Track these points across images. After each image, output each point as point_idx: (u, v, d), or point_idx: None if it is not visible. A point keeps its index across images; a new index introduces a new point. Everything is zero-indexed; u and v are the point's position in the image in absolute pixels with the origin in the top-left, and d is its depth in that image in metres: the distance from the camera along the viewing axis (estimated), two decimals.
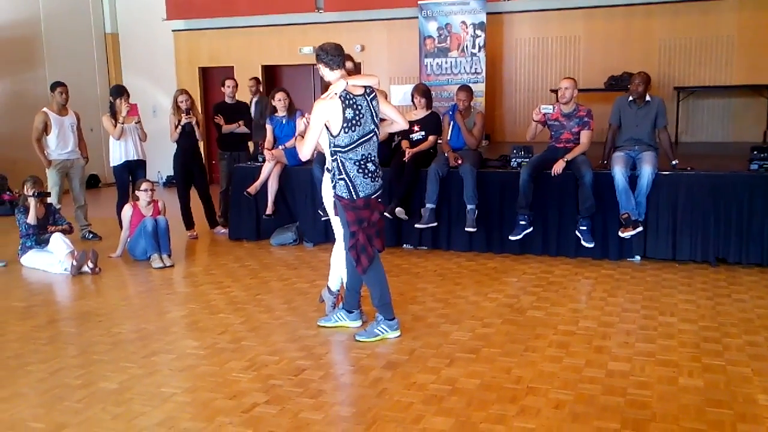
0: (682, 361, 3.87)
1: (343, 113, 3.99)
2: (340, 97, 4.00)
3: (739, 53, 9.57)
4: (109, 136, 7.60)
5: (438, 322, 4.64)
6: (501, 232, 6.55)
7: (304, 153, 4.12)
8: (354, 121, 4.01)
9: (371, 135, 4.12)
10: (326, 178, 4.45)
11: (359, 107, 4.05)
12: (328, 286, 4.80)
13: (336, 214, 4.43)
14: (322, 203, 6.83)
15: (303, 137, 4.25)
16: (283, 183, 7.30)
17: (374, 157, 4.16)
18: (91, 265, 6.19)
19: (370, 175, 4.12)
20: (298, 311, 4.97)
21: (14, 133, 10.15)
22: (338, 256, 4.62)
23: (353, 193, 4.09)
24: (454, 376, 3.73)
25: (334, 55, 4.06)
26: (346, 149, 4.04)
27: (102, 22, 12.83)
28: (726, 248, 5.98)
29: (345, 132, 4.01)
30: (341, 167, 4.08)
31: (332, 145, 4.07)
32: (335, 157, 4.09)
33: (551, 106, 6.32)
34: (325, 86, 4.27)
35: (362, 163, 4.08)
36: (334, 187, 4.16)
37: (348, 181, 4.08)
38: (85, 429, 3.24)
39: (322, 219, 6.95)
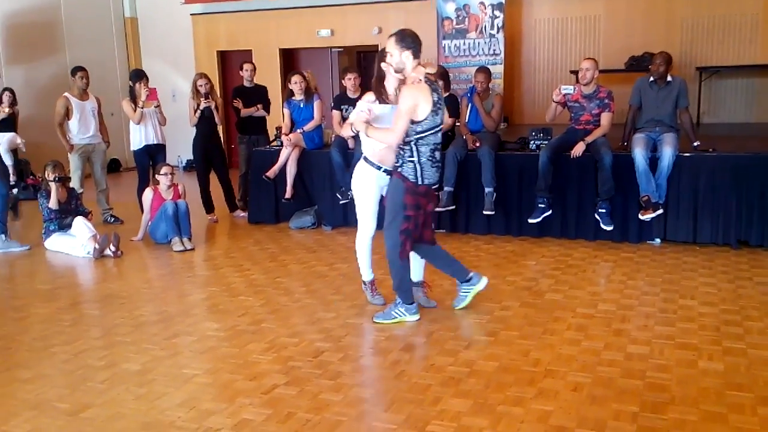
0: (702, 344, 3.85)
1: (431, 97, 4.04)
2: (426, 82, 4.04)
3: (764, 31, 9.38)
4: (129, 120, 7.66)
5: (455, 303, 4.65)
6: (520, 215, 6.53)
7: (393, 140, 4.08)
8: (438, 106, 4.09)
9: (442, 124, 4.20)
10: (362, 165, 4.42)
11: (439, 94, 4.15)
12: (363, 280, 4.72)
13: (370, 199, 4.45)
14: (341, 187, 6.92)
15: (368, 124, 4.19)
16: (301, 167, 7.32)
17: (440, 147, 4.23)
18: (113, 248, 6.27)
19: (436, 164, 4.18)
20: (317, 294, 5.01)
21: (36, 118, 10.26)
22: (363, 245, 4.60)
23: (420, 178, 4.11)
24: (472, 358, 3.75)
25: (418, 43, 4.08)
26: (425, 134, 4.06)
27: (121, 6, 12.87)
28: (748, 231, 5.91)
29: (432, 116, 4.04)
30: (414, 151, 4.09)
31: (412, 131, 4.05)
32: (410, 141, 4.08)
33: (572, 87, 6.26)
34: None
35: (433, 150, 4.13)
36: (401, 167, 4.12)
37: (418, 165, 4.10)
38: (109, 409, 3.31)
39: (341, 202, 6.99)
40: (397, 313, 4.33)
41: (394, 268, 4.28)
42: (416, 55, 4.05)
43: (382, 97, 4.32)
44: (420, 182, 4.12)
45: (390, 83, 4.29)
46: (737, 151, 6.14)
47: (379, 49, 4.43)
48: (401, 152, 4.11)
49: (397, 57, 4.04)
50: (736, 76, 9.64)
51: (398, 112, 4.03)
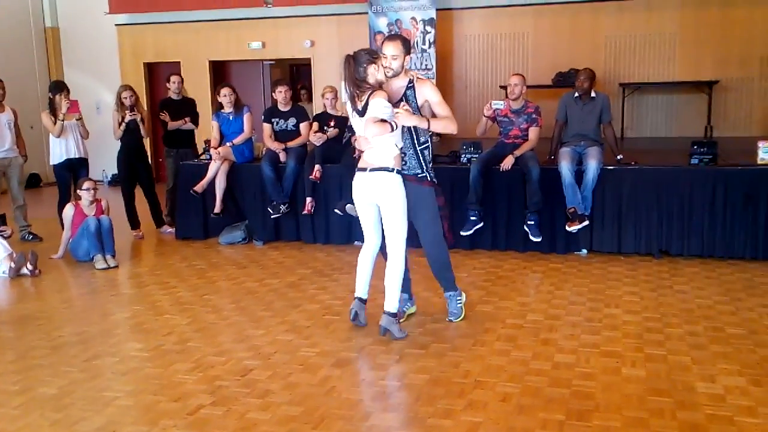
0: (626, 351, 3.95)
1: None
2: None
3: (681, 50, 9.84)
4: (49, 133, 7.35)
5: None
6: (451, 227, 6.55)
7: (456, 127, 4.19)
8: None
9: None
10: (381, 174, 4.09)
11: None
12: (386, 312, 4.22)
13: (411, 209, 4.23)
14: (273, 201, 6.81)
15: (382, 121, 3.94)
16: (231, 181, 7.19)
17: None
18: (30, 267, 5.98)
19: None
20: (246, 311, 4.90)
21: None
22: (394, 273, 4.21)
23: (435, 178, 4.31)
24: (403, 371, 3.74)
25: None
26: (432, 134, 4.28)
27: (41, 15, 12.40)
28: (668, 240, 6.14)
29: None
30: (431, 154, 4.29)
31: (429, 133, 4.23)
32: (428, 142, 4.24)
33: (502, 102, 6.38)
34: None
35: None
36: (425, 173, 4.22)
37: (432, 167, 4.31)
38: None
39: (272, 217, 6.88)
40: (460, 303, 4.59)
41: (447, 269, 4.51)
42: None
43: (356, 101, 4.08)
44: (437, 182, 4.35)
45: (373, 81, 4.06)
46: (658, 164, 6.37)
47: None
48: (422, 158, 4.20)
49: (401, 60, 4.10)
50: (657, 92, 10.06)
51: (441, 101, 4.17)
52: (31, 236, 7.48)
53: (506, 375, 3.65)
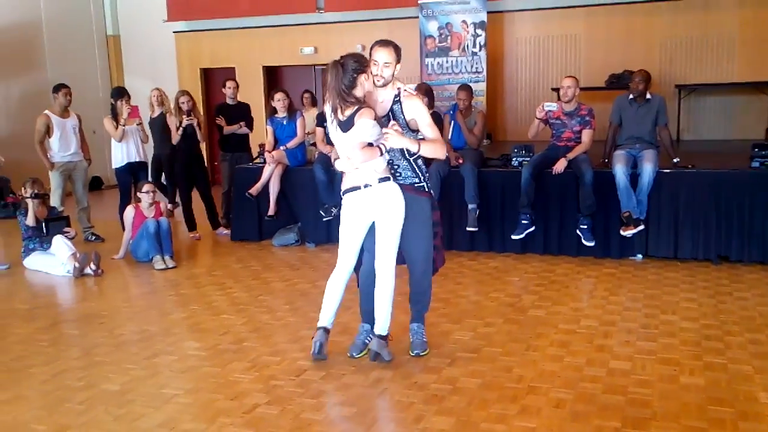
0: (684, 359, 3.87)
1: None
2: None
3: (741, 50, 9.54)
4: (111, 138, 7.61)
5: (439, 321, 4.64)
6: (503, 231, 6.55)
7: (445, 151, 3.94)
8: None
9: None
10: (384, 186, 3.81)
11: None
12: (376, 334, 3.94)
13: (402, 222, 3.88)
14: (325, 204, 6.90)
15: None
16: (284, 184, 7.31)
17: None
18: (93, 267, 6.21)
19: None
20: (300, 312, 4.98)
21: (17, 135, 10.19)
22: (386, 292, 3.91)
23: (432, 190, 4.04)
24: (455, 375, 3.74)
25: None
26: None
27: (103, 24, 12.86)
28: (728, 246, 5.98)
29: None
30: (424, 165, 3.98)
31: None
32: (418, 156, 3.87)
33: (555, 104, 6.32)
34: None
35: None
36: (422, 184, 3.91)
37: (429, 179, 4.04)
38: (87, 431, 3.25)
39: (324, 219, 6.98)
40: (425, 338, 4.12)
41: (427, 296, 4.09)
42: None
43: (338, 113, 3.79)
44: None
45: (360, 92, 3.78)
46: (716, 168, 6.21)
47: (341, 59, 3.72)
48: (417, 168, 3.88)
49: (392, 69, 3.76)
50: (715, 93, 9.78)
51: (430, 123, 3.81)
52: (93, 237, 7.75)
53: (560, 381, 3.62)
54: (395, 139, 3.66)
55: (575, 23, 10.25)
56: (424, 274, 4.01)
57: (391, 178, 3.83)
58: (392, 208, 3.82)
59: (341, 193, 3.98)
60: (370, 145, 3.71)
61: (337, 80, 3.70)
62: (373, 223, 3.90)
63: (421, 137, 3.84)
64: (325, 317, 4.01)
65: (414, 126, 3.82)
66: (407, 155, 3.84)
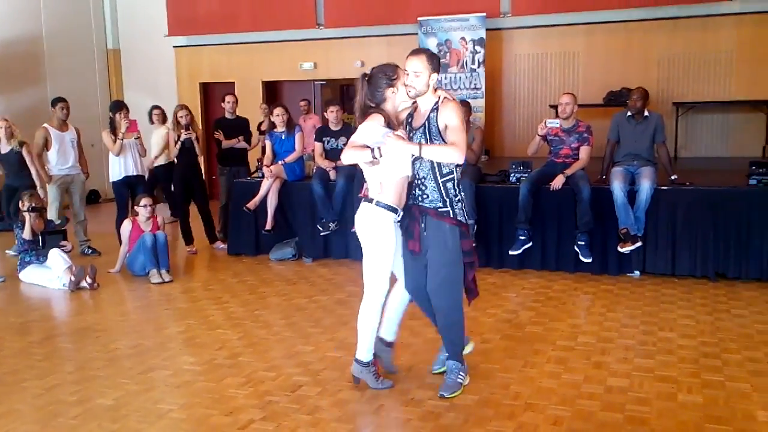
0: (681, 376, 3.85)
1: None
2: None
3: (738, 68, 9.60)
4: (109, 151, 7.62)
5: (436, 338, 4.55)
6: (500, 246, 6.54)
7: (460, 157, 3.44)
8: None
9: None
10: (371, 210, 3.62)
11: None
12: (355, 358, 3.81)
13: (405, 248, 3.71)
14: (322, 218, 6.91)
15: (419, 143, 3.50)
16: (282, 198, 7.30)
17: None
18: (89, 280, 6.18)
19: None
20: (296, 327, 4.95)
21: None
22: (362, 317, 3.75)
23: (465, 218, 3.63)
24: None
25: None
26: (462, 165, 3.61)
27: (104, 38, 12.91)
28: (725, 263, 5.97)
29: None
30: (458, 187, 3.62)
31: (453, 163, 3.56)
32: (453, 174, 3.59)
33: (557, 121, 6.33)
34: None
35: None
36: (449, 209, 3.57)
37: (464, 203, 3.65)
38: None
39: (322, 234, 6.97)
40: (461, 380, 3.73)
41: (454, 331, 3.73)
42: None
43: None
44: (466, 222, 3.67)
45: (390, 106, 3.68)
46: (714, 185, 6.22)
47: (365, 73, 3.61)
48: (444, 190, 3.57)
49: (425, 78, 3.53)
50: (712, 111, 9.83)
51: (456, 126, 3.48)
52: (90, 250, 7.73)
53: (557, 398, 3.60)
54: (394, 142, 3.44)
55: (574, 41, 10.31)
56: (446, 308, 3.66)
57: (381, 205, 3.58)
58: (364, 232, 3.65)
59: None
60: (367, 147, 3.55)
61: (361, 94, 3.62)
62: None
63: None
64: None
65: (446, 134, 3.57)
66: (437, 176, 3.57)
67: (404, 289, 3.82)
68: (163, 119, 9.10)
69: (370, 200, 3.63)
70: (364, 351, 3.75)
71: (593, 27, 10.20)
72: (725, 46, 9.63)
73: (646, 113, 6.27)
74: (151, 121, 9.18)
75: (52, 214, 7.33)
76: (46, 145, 7.49)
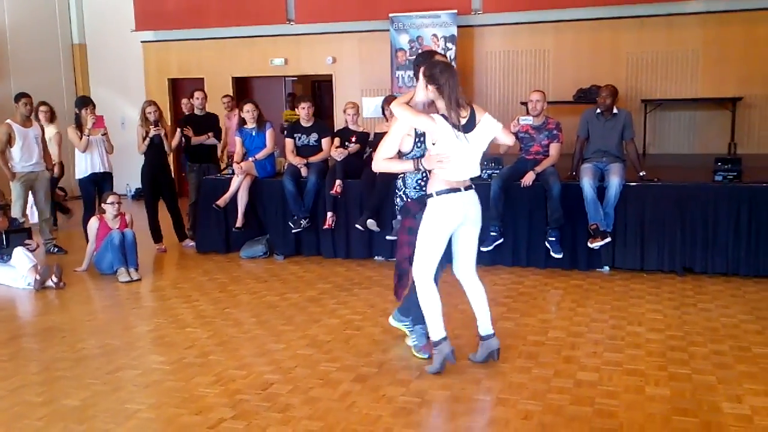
0: (649, 370, 3.90)
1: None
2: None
3: (704, 67, 9.76)
4: (75, 148, 7.47)
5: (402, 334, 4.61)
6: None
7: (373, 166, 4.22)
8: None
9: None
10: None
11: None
12: (434, 341, 3.98)
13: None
14: (294, 215, 6.85)
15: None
16: (253, 195, 7.24)
17: None
18: (55, 279, 6.06)
19: None
20: (267, 325, 4.91)
21: None
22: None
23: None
24: (423, 388, 3.72)
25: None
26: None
27: (69, 32, 12.65)
28: (692, 258, 6.07)
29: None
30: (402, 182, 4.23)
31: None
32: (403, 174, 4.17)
33: (530, 118, 6.35)
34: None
35: None
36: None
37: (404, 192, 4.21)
38: None
39: (293, 231, 6.92)
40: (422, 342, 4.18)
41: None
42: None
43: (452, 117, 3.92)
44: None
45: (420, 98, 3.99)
46: (681, 181, 6.31)
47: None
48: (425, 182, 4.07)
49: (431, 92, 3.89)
50: (679, 108, 9.98)
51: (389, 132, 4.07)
52: (56, 249, 7.58)
53: (528, 392, 3.62)
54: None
55: (544, 38, 10.39)
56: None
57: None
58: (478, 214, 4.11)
59: (435, 193, 3.92)
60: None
61: (456, 82, 3.85)
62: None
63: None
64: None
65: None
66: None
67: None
68: (51, 117, 8.73)
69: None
70: (429, 330, 3.99)
71: (563, 25, 10.28)
72: (691, 44, 9.78)
73: (615, 110, 6.34)
74: (37, 118, 8.21)
75: (15, 212, 7.16)
76: (10, 141, 7.32)
